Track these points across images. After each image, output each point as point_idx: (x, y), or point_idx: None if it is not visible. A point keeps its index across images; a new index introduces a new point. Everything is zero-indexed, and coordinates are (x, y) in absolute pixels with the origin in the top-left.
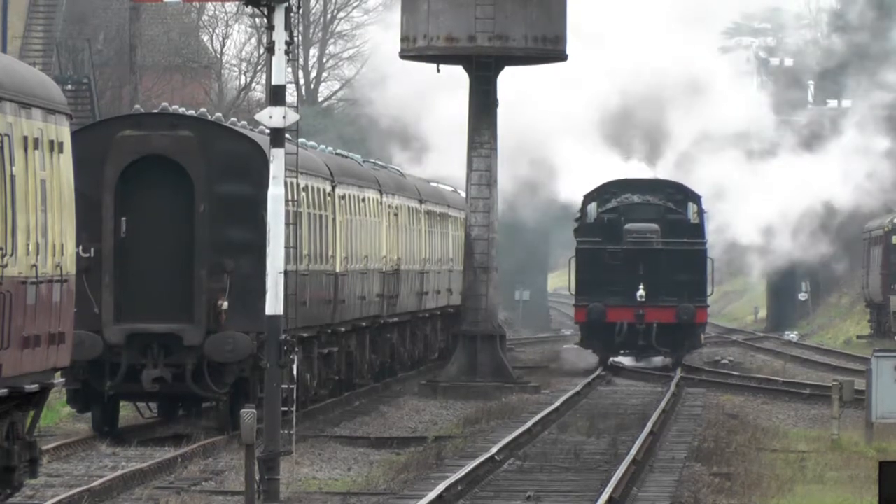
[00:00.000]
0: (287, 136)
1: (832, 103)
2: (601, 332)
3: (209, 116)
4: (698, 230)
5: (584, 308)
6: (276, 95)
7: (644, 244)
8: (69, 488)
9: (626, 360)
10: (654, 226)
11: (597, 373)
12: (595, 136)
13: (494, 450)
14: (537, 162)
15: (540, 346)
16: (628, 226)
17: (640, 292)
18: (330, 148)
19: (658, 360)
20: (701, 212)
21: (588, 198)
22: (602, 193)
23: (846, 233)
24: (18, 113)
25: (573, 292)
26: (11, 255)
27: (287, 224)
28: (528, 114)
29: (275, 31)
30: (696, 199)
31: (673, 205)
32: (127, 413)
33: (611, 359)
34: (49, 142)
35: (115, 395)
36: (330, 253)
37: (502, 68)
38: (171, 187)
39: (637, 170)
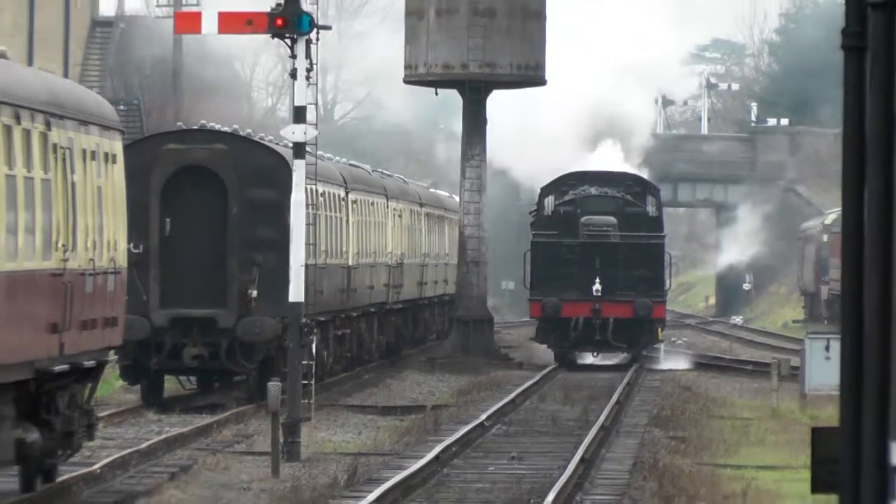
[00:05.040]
0: (307, 149)
1: (772, 121)
2: (556, 327)
3: (241, 132)
4: (657, 223)
5: (538, 302)
6: (298, 114)
7: (601, 237)
8: (121, 449)
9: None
10: (612, 219)
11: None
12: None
13: (483, 417)
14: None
15: (523, 329)
16: (585, 219)
17: (597, 287)
18: (344, 159)
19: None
20: (660, 205)
21: (545, 190)
22: (559, 186)
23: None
24: (78, 129)
25: (528, 286)
26: (72, 250)
27: (307, 224)
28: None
29: (297, 59)
30: (655, 191)
31: (631, 197)
32: (170, 385)
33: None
34: (104, 154)
35: (160, 370)
36: (344, 249)
37: (491, 91)
38: (208, 193)
39: (607, 156)
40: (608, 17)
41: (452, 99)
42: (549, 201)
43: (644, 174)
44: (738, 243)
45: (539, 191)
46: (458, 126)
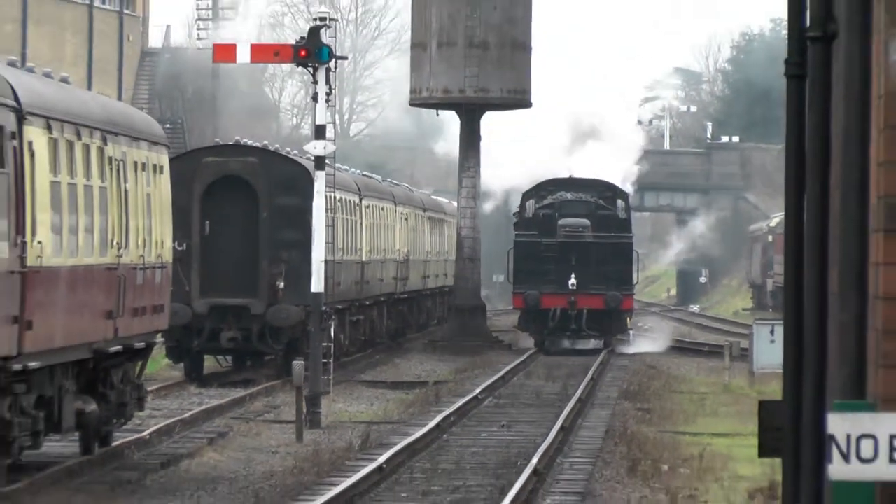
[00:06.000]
0: (327, 161)
1: (724, 138)
2: (537, 317)
3: (270, 147)
4: (626, 224)
5: (521, 295)
6: (318, 132)
7: (576, 237)
8: (166, 418)
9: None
10: (586, 221)
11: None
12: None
13: (477, 391)
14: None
15: (511, 316)
16: (562, 221)
17: (572, 281)
18: (358, 170)
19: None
20: (628, 208)
21: (526, 195)
22: (539, 191)
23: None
24: (130, 144)
25: (511, 281)
26: (125, 248)
27: (326, 226)
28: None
29: (318, 85)
30: (624, 196)
31: (603, 201)
32: (209, 364)
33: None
34: (152, 165)
35: (200, 350)
36: (358, 247)
37: (484, 113)
38: (241, 199)
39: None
40: (592, 45)
41: (436, 122)
42: (530, 205)
43: (618, 182)
44: (689, 242)
45: (521, 196)
46: (440, 146)
